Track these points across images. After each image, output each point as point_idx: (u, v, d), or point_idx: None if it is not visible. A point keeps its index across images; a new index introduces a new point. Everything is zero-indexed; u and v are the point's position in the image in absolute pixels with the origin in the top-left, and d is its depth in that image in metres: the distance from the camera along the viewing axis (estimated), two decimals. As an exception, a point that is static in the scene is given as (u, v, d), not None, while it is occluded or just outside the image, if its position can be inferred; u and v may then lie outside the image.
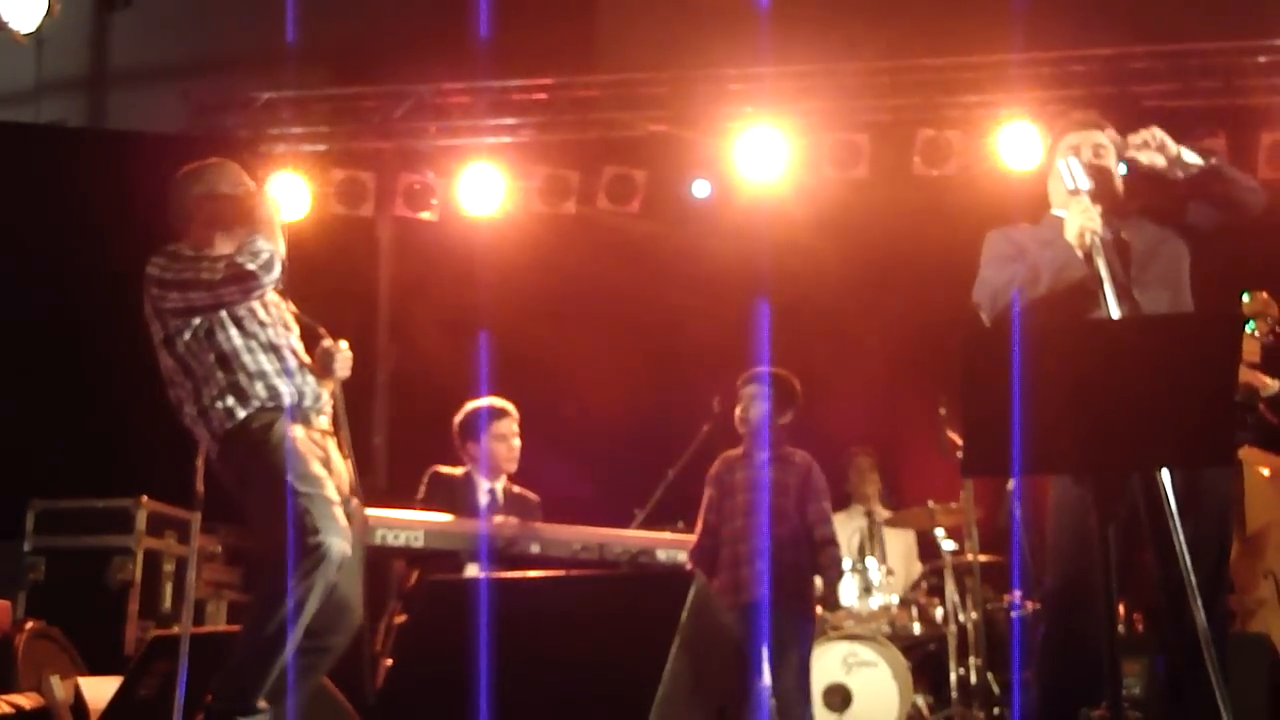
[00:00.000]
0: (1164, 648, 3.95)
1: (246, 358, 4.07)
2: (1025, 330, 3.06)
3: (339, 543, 3.85)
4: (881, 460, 7.68)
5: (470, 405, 6.00)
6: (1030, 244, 4.06)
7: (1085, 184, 3.91)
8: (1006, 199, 7.03)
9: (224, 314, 4.06)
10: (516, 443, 5.95)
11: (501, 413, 5.95)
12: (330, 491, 3.94)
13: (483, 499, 5.86)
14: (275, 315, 4.21)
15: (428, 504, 5.78)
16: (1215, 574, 3.80)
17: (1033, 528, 5.41)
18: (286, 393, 4.05)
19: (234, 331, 4.08)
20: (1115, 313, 3.65)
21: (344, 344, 4.28)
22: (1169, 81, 8.02)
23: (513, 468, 5.95)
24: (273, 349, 4.12)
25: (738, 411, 5.58)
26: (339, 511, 3.92)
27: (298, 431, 4.02)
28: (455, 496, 5.70)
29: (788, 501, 5.44)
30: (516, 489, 5.99)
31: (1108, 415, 2.97)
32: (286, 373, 4.09)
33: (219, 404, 4.02)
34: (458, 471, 5.92)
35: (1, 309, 7.45)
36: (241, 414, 4.01)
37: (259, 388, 4.04)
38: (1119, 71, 8.02)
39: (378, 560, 5.57)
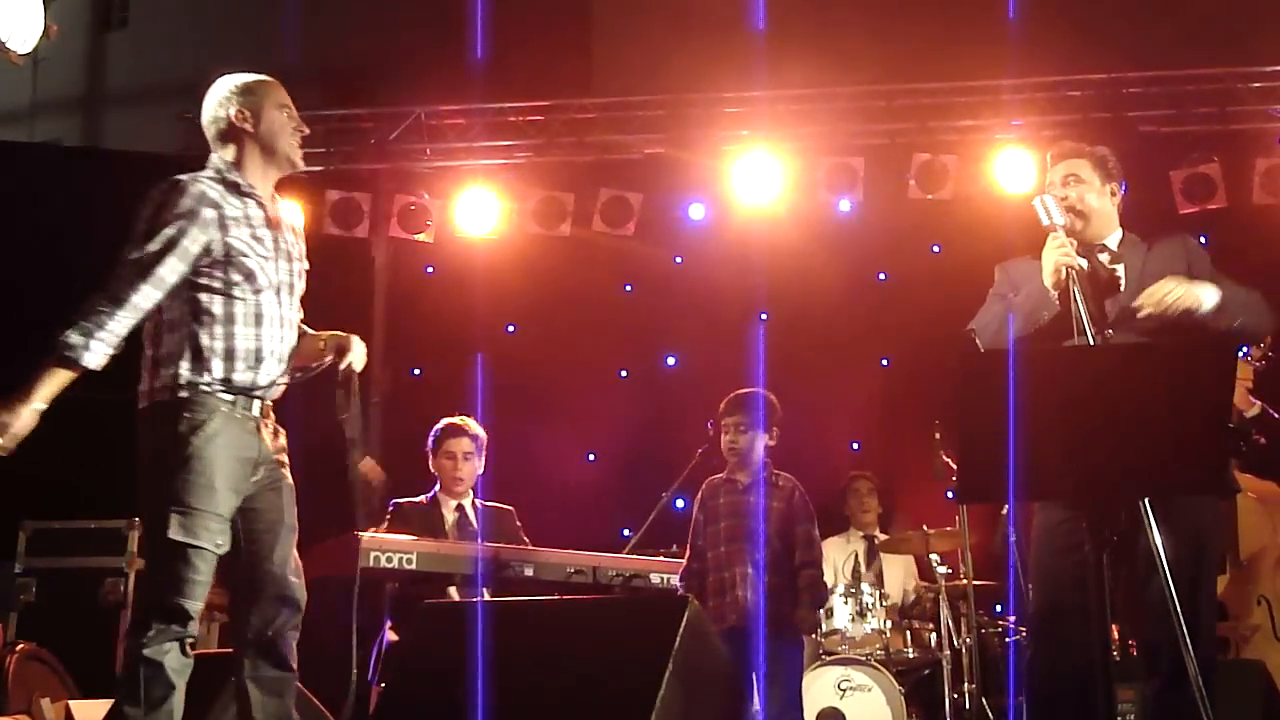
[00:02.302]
0: (1144, 672, 3.95)
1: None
2: (1020, 358, 3.05)
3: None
4: (878, 483, 7.66)
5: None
6: (1022, 281, 4.08)
7: (1060, 219, 3.91)
8: (1002, 223, 7.05)
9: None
10: (470, 464, 5.85)
11: (456, 430, 5.87)
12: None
13: (450, 517, 5.83)
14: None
15: None
16: (1191, 596, 3.77)
17: (1025, 552, 5.40)
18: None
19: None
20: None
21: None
22: (1164, 107, 8.06)
23: (460, 489, 5.86)
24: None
25: (723, 439, 5.57)
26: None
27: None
28: (418, 524, 5.66)
29: (771, 527, 5.45)
30: (488, 503, 5.95)
31: (1102, 442, 2.96)
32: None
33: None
34: (422, 498, 5.89)
35: (-5, 327, 7.43)
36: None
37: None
38: (1114, 97, 8.05)
39: (370, 583, 5.55)
